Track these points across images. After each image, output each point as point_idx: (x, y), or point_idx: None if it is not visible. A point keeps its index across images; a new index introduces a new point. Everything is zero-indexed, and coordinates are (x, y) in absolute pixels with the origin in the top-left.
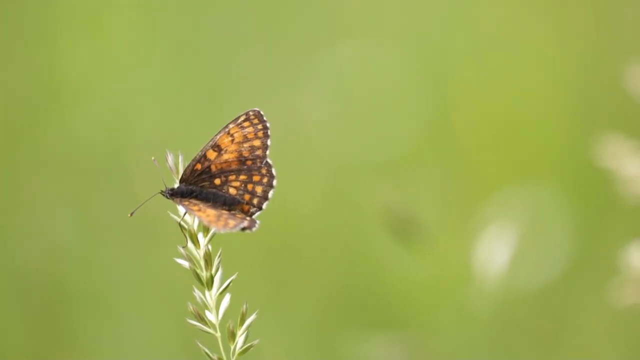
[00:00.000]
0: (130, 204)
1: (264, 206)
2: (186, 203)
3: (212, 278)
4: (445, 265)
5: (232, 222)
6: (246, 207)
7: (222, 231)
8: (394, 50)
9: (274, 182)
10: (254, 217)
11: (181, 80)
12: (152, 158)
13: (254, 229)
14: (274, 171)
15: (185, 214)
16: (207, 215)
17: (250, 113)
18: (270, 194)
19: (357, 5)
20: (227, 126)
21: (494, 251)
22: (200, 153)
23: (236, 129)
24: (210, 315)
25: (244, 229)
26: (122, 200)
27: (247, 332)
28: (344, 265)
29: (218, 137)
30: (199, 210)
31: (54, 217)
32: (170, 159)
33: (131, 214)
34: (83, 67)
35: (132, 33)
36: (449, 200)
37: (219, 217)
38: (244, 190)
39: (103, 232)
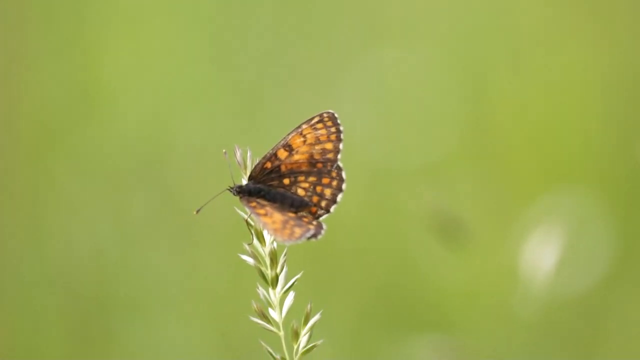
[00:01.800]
0: (168, 207)
1: (332, 209)
2: (253, 204)
3: (277, 276)
4: (487, 268)
5: (298, 231)
6: (314, 209)
7: (287, 243)
8: (431, 53)
9: (344, 186)
10: (320, 219)
11: (219, 84)
12: (223, 151)
13: (319, 236)
14: (344, 175)
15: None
16: (274, 222)
17: (325, 115)
18: (339, 197)
19: (394, 9)
20: (300, 126)
21: (538, 255)
22: (270, 151)
23: (309, 130)
24: (273, 314)
25: (310, 237)
26: (159, 204)
27: (311, 332)
28: (384, 268)
29: (290, 137)
30: (265, 214)
31: (92, 220)
32: (239, 154)
33: (197, 212)
34: (121, 69)
35: (170, 36)
36: (489, 203)
37: (285, 224)
38: (312, 192)
39: (141, 235)
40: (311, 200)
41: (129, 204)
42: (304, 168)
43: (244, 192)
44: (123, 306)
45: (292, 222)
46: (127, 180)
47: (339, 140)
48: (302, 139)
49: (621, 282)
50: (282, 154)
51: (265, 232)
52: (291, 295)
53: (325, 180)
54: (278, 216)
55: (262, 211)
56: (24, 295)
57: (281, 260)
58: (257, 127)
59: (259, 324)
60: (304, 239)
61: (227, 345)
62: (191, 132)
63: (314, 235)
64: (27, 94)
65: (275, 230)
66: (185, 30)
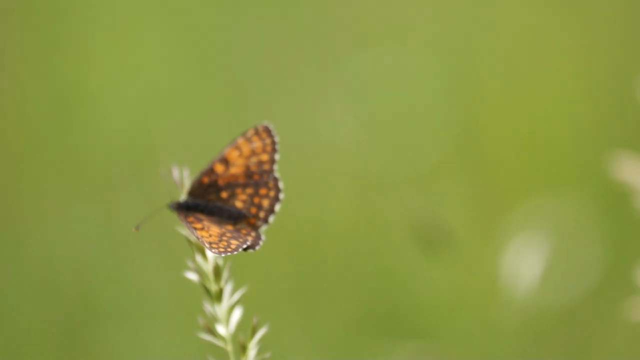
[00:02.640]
0: (153, 213)
1: (270, 220)
2: (190, 219)
3: (221, 291)
4: (473, 278)
5: (234, 243)
6: (252, 221)
7: (222, 255)
8: (421, 59)
9: (281, 196)
10: (259, 230)
11: (204, 89)
12: (160, 172)
13: (257, 247)
14: (280, 185)
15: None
16: (210, 235)
17: (259, 127)
18: (277, 207)
19: (383, 14)
20: (235, 140)
21: (522, 264)
22: (208, 166)
23: (245, 143)
24: (221, 329)
25: (247, 248)
26: (145, 211)
27: (260, 346)
28: (371, 277)
29: (226, 151)
30: (202, 228)
31: (76, 227)
32: (176, 173)
33: (137, 228)
34: (105, 74)
35: (154, 40)
36: (476, 212)
37: (221, 236)
38: (250, 204)
39: (126, 244)
40: (249, 212)
41: (113, 210)
42: (241, 180)
43: (181, 208)
44: (106, 315)
45: (228, 235)
46: (111, 186)
47: (274, 151)
48: (238, 152)
49: (608, 290)
50: (219, 168)
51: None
52: (238, 310)
53: (262, 191)
54: (215, 229)
55: (198, 225)
56: (5, 304)
57: (224, 275)
58: (239, 132)
59: (206, 340)
60: (240, 250)
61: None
62: (176, 137)
63: (251, 247)
64: (9, 98)
65: (210, 244)
66: (170, 34)
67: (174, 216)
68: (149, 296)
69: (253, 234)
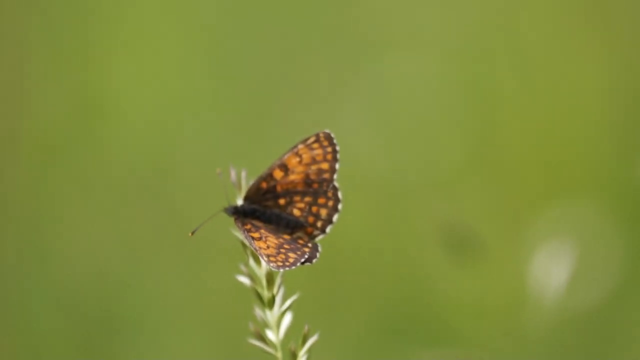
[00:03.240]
0: (173, 222)
1: (327, 230)
2: (247, 226)
3: (273, 297)
4: (496, 284)
5: (292, 257)
6: (310, 230)
7: (280, 270)
8: (438, 64)
9: (340, 206)
10: (316, 240)
11: (223, 96)
12: (218, 170)
13: (314, 260)
14: (340, 195)
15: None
16: (267, 247)
17: (321, 135)
18: (335, 217)
19: (400, 19)
20: (296, 146)
21: (547, 268)
22: (266, 171)
23: (305, 150)
24: (270, 335)
25: (304, 262)
26: (164, 219)
27: (309, 354)
28: (391, 281)
29: (286, 157)
30: (260, 238)
31: (96, 236)
32: (233, 174)
33: (192, 233)
34: (124, 82)
35: (171, 50)
36: (498, 218)
37: (279, 248)
38: (308, 212)
39: (146, 252)
40: (307, 221)
41: (133, 219)
42: (299, 188)
43: (238, 213)
44: (127, 324)
45: (286, 246)
46: (131, 195)
47: (335, 160)
48: (298, 159)
49: (632, 295)
50: (278, 174)
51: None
52: (288, 316)
53: (321, 201)
54: (272, 240)
55: (256, 235)
56: (26, 314)
57: (278, 280)
58: (260, 140)
59: (256, 345)
60: (298, 265)
61: None
62: (195, 145)
63: (309, 260)
64: (29, 108)
65: (268, 256)
66: (189, 43)
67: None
68: (171, 305)
69: (310, 244)
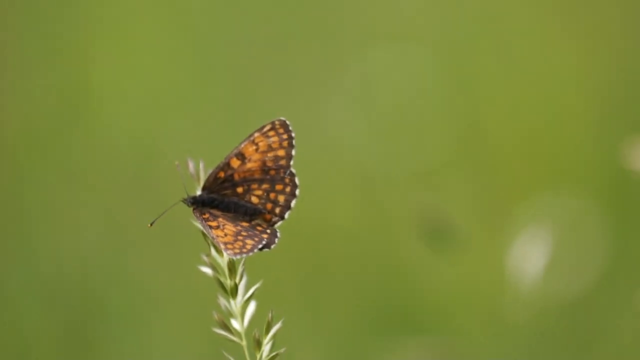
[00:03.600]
0: (158, 213)
1: (286, 215)
2: (205, 216)
3: (236, 286)
4: (479, 272)
5: (249, 244)
6: (268, 217)
7: (237, 257)
8: (425, 58)
9: (297, 192)
10: (275, 226)
11: (208, 88)
12: (176, 163)
13: (272, 246)
14: (297, 180)
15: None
16: (225, 235)
17: (276, 122)
18: (293, 203)
19: (388, 13)
20: (252, 135)
21: (528, 258)
22: (224, 161)
23: (261, 138)
24: (235, 324)
25: (262, 248)
26: (150, 210)
27: (274, 341)
28: (377, 272)
29: (242, 145)
30: (217, 227)
31: (82, 229)
32: (191, 165)
33: (151, 224)
34: (109, 76)
35: (157, 42)
36: (481, 208)
37: (236, 236)
38: (266, 199)
39: (132, 242)
40: (265, 208)
41: (118, 210)
42: (257, 176)
43: (197, 203)
44: (112, 314)
45: (244, 234)
46: (116, 186)
47: (291, 146)
48: (254, 147)
49: (614, 283)
50: (235, 162)
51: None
52: (252, 304)
53: (278, 187)
54: (230, 228)
55: (214, 223)
56: (10, 305)
57: (240, 269)
58: (244, 130)
59: (221, 334)
60: (255, 251)
61: (215, 352)
62: (180, 137)
63: (267, 246)
64: (12, 101)
65: (226, 244)
66: (174, 35)
67: (180, 214)
68: (154, 296)
69: (269, 231)
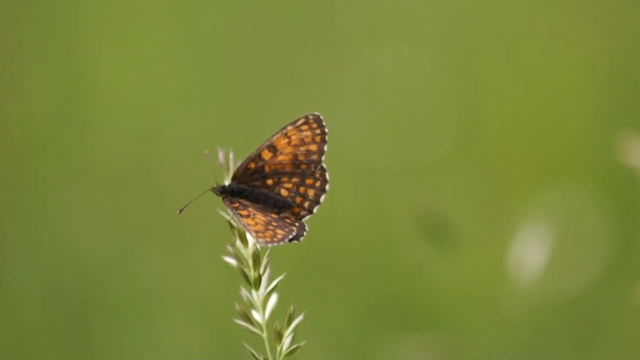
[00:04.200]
0: (160, 210)
1: (314, 210)
2: (235, 205)
3: (260, 277)
4: (480, 268)
5: (280, 233)
6: (297, 210)
7: (268, 245)
8: (427, 53)
9: (327, 187)
10: (303, 220)
11: (211, 84)
12: (205, 152)
13: (301, 238)
14: (327, 176)
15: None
16: (256, 224)
17: (310, 117)
18: (322, 198)
19: (390, 9)
20: (285, 128)
21: (529, 254)
22: (255, 152)
23: (294, 132)
24: (256, 316)
25: (291, 239)
26: (151, 208)
27: (294, 334)
28: (378, 268)
29: (275, 138)
30: (248, 215)
31: (84, 224)
32: (221, 155)
33: (180, 211)
34: (111, 73)
35: (160, 38)
36: (483, 204)
37: (267, 225)
38: (295, 193)
39: (134, 238)
40: (294, 201)
41: (120, 205)
42: (287, 169)
43: (226, 193)
44: (113, 310)
45: (274, 224)
46: (118, 181)
47: (323, 142)
48: (286, 140)
49: (614, 279)
50: (267, 154)
51: (248, 235)
52: (274, 296)
53: (308, 181)
54: (260, 217)
55: (244, 212)
56: (10, 302)
57: (264, 261)
58: (248, 125)
59: (242, 326)
60: (285, 241)
61: (220, 347)
62: (183, 133)
63: (296, 237)
64: (16, 97)
65: (257, 232)
66: (177, 32)
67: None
68: (156, 292)
69: (297, 224)
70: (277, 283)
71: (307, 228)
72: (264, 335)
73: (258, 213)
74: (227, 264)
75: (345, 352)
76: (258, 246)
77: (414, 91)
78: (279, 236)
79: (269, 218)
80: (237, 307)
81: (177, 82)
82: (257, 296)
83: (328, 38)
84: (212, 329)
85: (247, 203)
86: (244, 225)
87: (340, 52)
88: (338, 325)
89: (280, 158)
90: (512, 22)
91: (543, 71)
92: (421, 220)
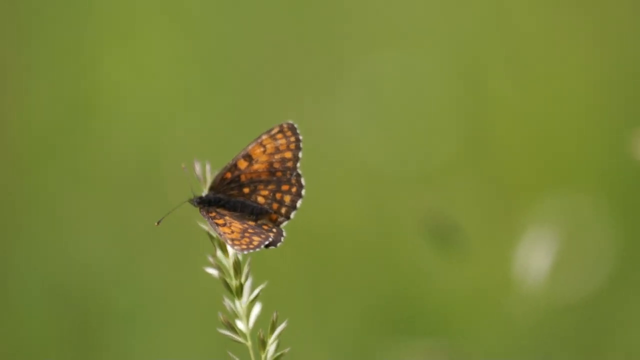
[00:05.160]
0: (165, 214)
1: (291, 215)
2: (212, 214)
3: (241, 286)
4: (485, 273)
5: (256, 240)
6: (274, 217)
7: (244, 252)
8: (431, 59)
9: (303, 192)
10: (281, 226)
11: (215, 90)
12: (182, 166)
13: (278, 244)
14: (303, 181)
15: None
16: (232, 232)
17: (284, 125)
18: (299, 203)
19: (393, 15)
20: (260, 137)
21: (535, 259)
22: (231, 162)
23: (269, 140)
24: (240, 325)
25: (268, 245)
26: (157, 211)
27: (279, 341)
28: (383, 273)
29: (250, 147)
30: (224, 224)
31: (89, 232)
32: (198, 167)
33: (158, 223)
34: (114, 82)
35: (162, 46)
36: (488, 208)
37: (243, 232)
38: (272, 200)
39: (137, 245)
40: (271, 207)
41: (125, 212)
42: (263, 177)
43: (203, 203)
44: (119, 317)
45: (250, 231)
46: (123, 188)
47: (298, 149)
48: (262, 149)
49: (623, 285)
50: (242, 164)
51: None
52: (258, 305)
53: (284, 187)
54: (237, 225)
55: (220, 221)
56: (20, 308)
57: (245, 270)
58: (253, 133)
59: (226, 335)
60: (262, 247)
61: (221, 354)
62: (188, 138)
63: (273, 243)
64: (22, 104)
65: (233, 240)
66: (182, 38)
67: (187, 216)
68: (160, 297)
69: (275, 230)
70: (260, 291)
71: (284, 234)
72: (248, 343)
73: (235, 221)
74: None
75: (350, 357)
76: (239, 256)
77: (418, 97)
78: (255, 243)
79: (245, 225)
80: (221, 317)
81: (181, 89)
82: (240, 305)
83: (332, 44)
84: (217, 334)
85: (224, 212)
86: (220, 233)
87: (344, 58)
88: (343, 330)
89: (256, 167)
90: (515, 27)
91: (547, 76)
92: (426, 224)
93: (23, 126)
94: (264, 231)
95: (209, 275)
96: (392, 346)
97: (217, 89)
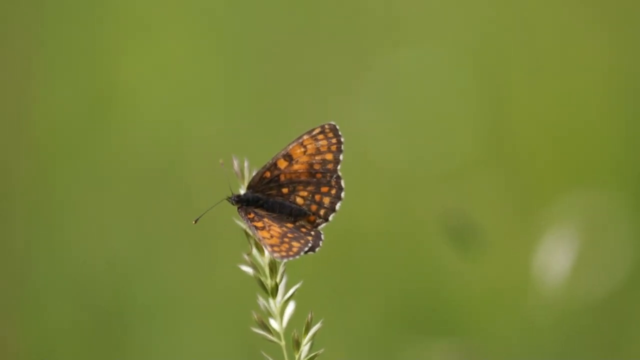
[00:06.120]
0: (187, 213)
1: (330, 217)
2: (251, 215)
3: (276, 286)
4: (506, 272)
5: (295, 246)
6: (312, 218)
7: (284, 260)
8: (450, 57)
9: (342, 195)
10: (319, 228)
11: (233, 88)
12: (220, 161)
13: (317, 249)
14: (342, 183)
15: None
16: (271, 237)
17: (326, 126)
18: (338, 206)
19: (412, 13)
20: (301, 137)
21: (555, 258)
22: (270, 161)
23: (310, 141)
24: (274, 324)
25: (307, 251)
26: (178, 210)
27: (312, 341)
28: (403, 272)
29: (290, 147)
30: (263, 228)
31: (111, 227)
32: (236, 164)
33: (195, 221)
34: (135, 77)
35: (185, 41)
36: (508, 207)
37: (282, 238)
38: (311, 201)
39: (160, 242)
40: (310, 209)
41: (145, 210)
42: (303, 178)
43: (241, 202)
44: (140, 313)
45: (290, 235)
46: (143, 187)
47: (339, 151)
48: (302, 149)
49: None
50: (282, 163)
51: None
52: (292, 304)
53: (324, 189)
54: (276, 229)
55: (259, 224)
56: (38, 305)
57: (281, 269)
58: (273, 132)
59: (260, 334)
60: (301, 254)
61: (246, 353)
62: (208, 136)
63: (312, 249)
64: (42, 100)
65: (272, 246)
66: (201, 35)
67: (210, 214)
68: (183, 296)
69: (313, 233)
70: (295, 291)
71: (323, 237)
72: (282, 343)
73: (273, 224)
74: (244, 271)
75: (370, 357)
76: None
77: (438, 95)
78: (295, 249)
79: (284, 229)
80: (255, 316)
81: (202, 86)
82: (274, 304)
83: (352, 42)
84: (240, 331)
85: (262, 213)
86: (259, 238)
87: (364, 56)
88: (363, 330)
89: (295, 167)
90: (536, 23)
91: (568, 73)
92: (446, 224)
93: (45, 124)
94: (302, 235)
95: (234, 272)
96: (413, 346)
97: (238, 84)
